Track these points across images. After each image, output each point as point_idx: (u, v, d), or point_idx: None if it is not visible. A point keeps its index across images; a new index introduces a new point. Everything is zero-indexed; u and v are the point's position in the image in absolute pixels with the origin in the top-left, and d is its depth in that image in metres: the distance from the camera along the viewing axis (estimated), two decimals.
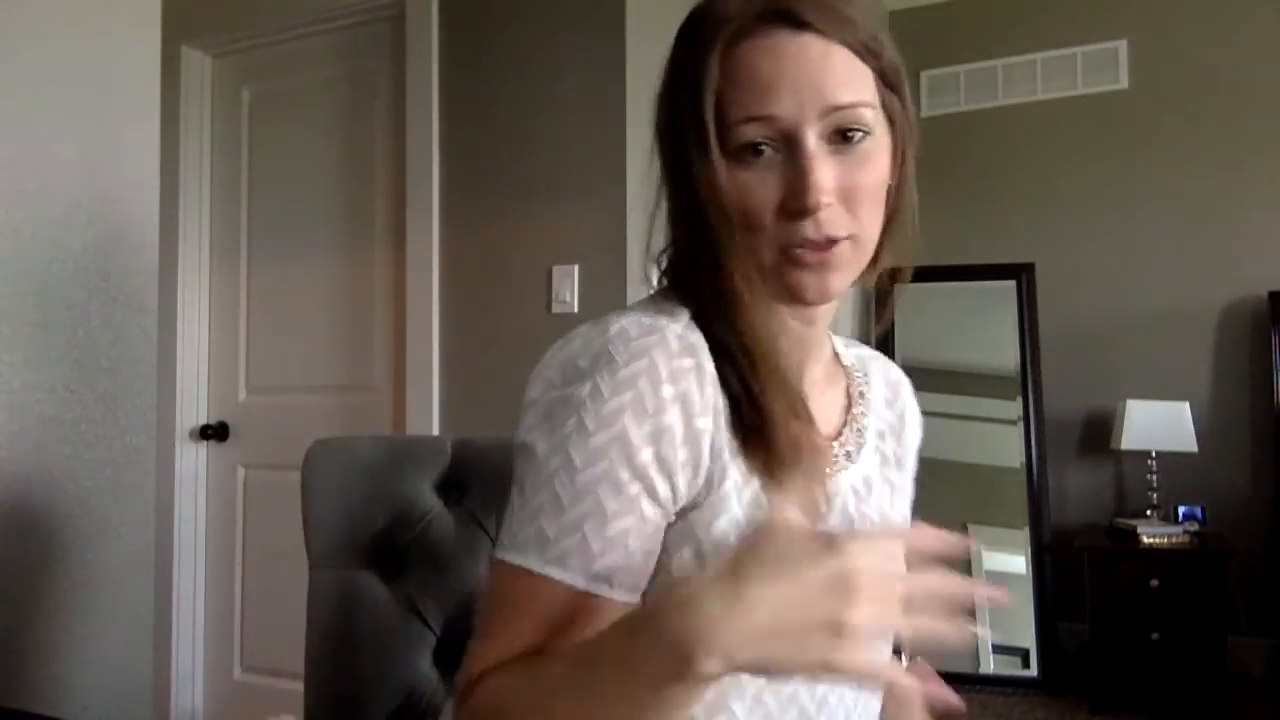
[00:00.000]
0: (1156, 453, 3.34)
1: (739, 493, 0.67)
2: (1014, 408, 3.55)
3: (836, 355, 0.84)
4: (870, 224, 0.71)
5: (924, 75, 4.12)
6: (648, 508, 0.65)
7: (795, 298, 0.70)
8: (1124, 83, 3.79)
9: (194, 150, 2.83)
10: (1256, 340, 3.54)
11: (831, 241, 0.67)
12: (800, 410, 0.69)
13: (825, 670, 0.51)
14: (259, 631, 2.73)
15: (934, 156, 4.46)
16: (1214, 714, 2.95)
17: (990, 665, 3.35)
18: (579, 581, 0.63)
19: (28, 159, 1.26)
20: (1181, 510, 3.28)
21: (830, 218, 0.67)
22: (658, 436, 0.64)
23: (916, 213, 0.79)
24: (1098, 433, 3.67)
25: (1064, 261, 3.78)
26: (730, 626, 0.50)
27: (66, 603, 1.29)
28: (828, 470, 0.72)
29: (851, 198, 0.68)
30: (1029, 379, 3.55)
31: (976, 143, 4.02)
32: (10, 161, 1.24)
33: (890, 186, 0.75)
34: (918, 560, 0.55)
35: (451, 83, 2.45)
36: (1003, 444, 3.54)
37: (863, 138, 0.68)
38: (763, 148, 0.67)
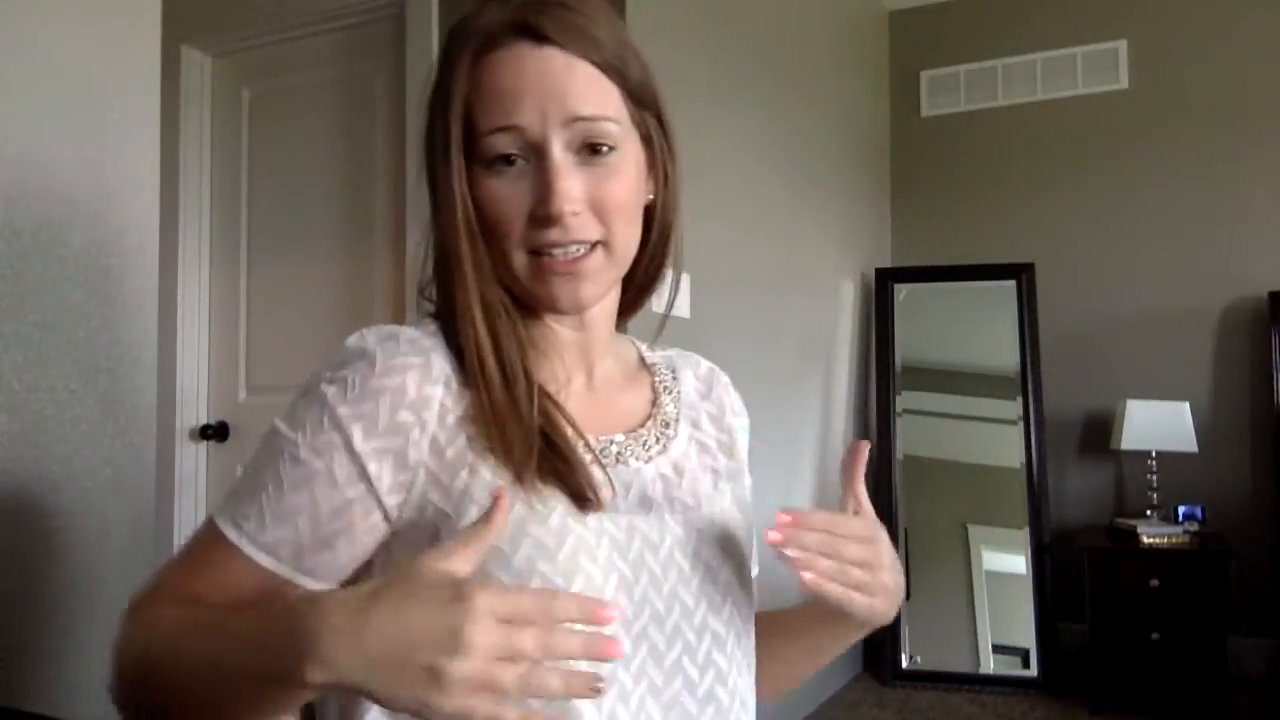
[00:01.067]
0: (1156, 453, 3.35)
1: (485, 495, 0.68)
2: (1014, 408, 3.55)
3: (642, 359, 0.88)
4: (623, 235, 0.73)
5: (924, 75, 4.12)
6: (360, 502, 0.67)
7: (550, 307, 0.74)
8: (1124, 83, 3.79)
9: (194, 150, 2.83)
10: (1256, 340, 3.54)
11: (581, 249, 0.71)
12: (524, 408, 0.70)
13: (421, 711, 0.52)
14: None
15: (934, 156, 4.50)
16: (1214, 714, 2.95)
17: (990, 665, 3.35)
18: (283, 570, 0.67)
19: (27, 159, 1.26)
20: (1181, 510, 3.28)
21: (579, 224, 0.70)
22: (360, 424, 0.67)
23: (682, 239, 0.81)
24: (1098, 433, 3.67)
25: (1064, 261, 3.78)
26: (343, 642, 0.52)
27: (67, 603, 1.29)
28: (596, 465, 0.73)
29: (601, 208, 0.71)
30: (1029, 379, 3.55)
31: (976, 143, 4.02)
32: (10, 162, 1.24)
33: (652, 204, 0.78)
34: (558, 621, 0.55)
35: None
36: (1003, 444, 3.54)
37: (609, 151, 0.71)
38: (514, 158, 0.70)
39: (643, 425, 0.80)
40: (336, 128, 2.66)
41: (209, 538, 0.69)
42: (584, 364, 0.79)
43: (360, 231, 2.62)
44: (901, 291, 3.75)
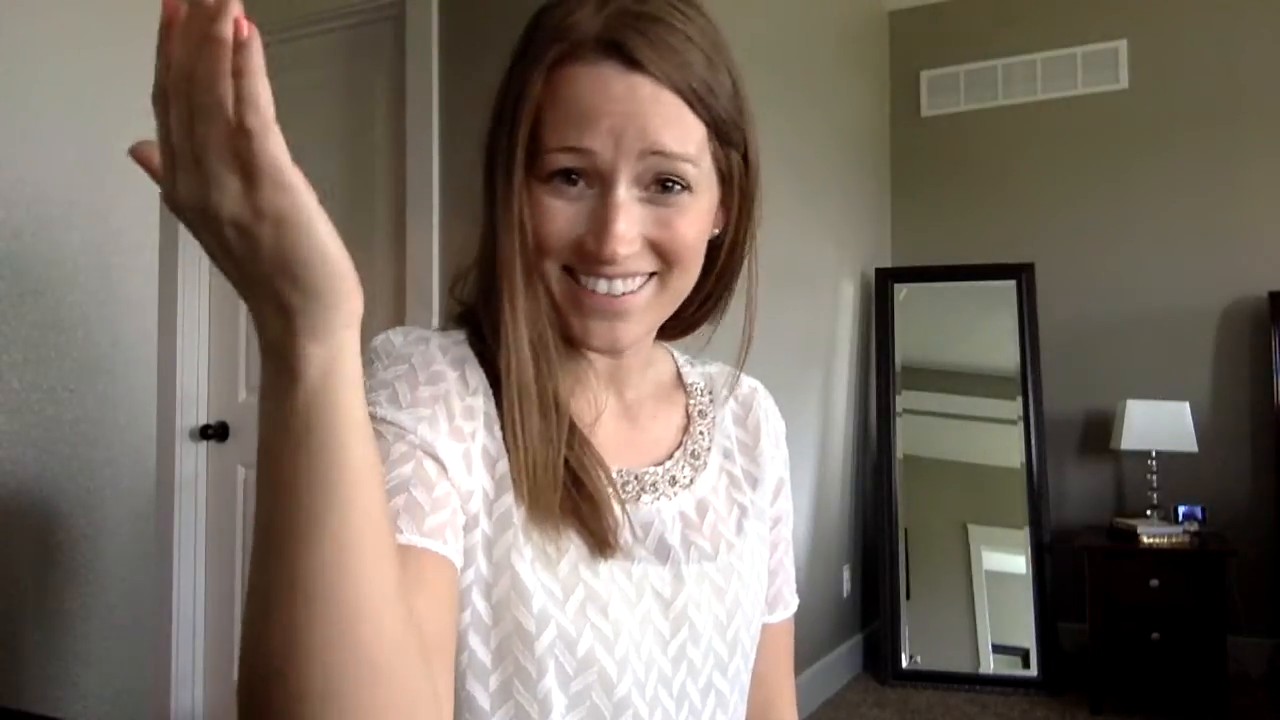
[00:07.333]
0: (1156, 453, 3.35)
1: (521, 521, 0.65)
2: (1014, 408, 3.55)
3: (680, 376, 0.82)
4: (680, 275, 0.68)
5: (924, 75, 4.12)
6: (430, 465, 0.61)
7: (582, 344, 0.68)
8: (1124, 83, 3.79)
9: None
10: (1256, 340, 3.54)
11: (635, 283, 0.66)
12: (554, 443, 0.66)
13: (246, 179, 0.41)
14: None
15: (934, 156, 4.50)
16: (1214, 714, 2.95)
17: (990, 665, 3.35)
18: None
19: (27, 159, 1.26)
20: (1181, 510, 3.28)
21: (631, 262, 0.65)
22: (424, 425, 0.63)
23: (757, 281, 0.75)
24: (1098, 433, 3.67)
25: (1064, 261, 3.78)
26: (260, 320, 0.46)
27: (66, 603, 1.29)
28: (626, 505, 0.69)
29: (661, 249, 0.66)
30: (1029, 379, 3.56)
31: (976, 143, 4.02)
32: (10, 161, 1.24)
33: (717, 241, 0.72)
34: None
35: (451, 83, 2.45)
36: (1003, 444, 3.55)
37: (680, 191, 0.65)
38: (576, 178, 0.64)
39: (670, 456, 0.75)
40: (336, 128, 2.66)
41: None
42: (615, 388, 0.75)
43: (360, 231, 2.63)
44: (901, 291, 3.75)
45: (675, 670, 0.69)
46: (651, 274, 0.67)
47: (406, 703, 0.47)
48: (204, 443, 2.81)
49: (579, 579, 0.65)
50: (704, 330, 0.80)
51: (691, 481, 0.75)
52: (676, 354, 0.84)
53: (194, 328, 2.83)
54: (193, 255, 2.83)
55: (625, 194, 0.64)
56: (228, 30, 0.40)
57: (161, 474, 2.59)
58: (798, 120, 3.24)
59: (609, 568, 0.67)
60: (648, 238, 0.65)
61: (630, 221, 0.64)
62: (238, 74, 0.40)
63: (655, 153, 0.63)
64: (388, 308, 2.57)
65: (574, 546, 0.66)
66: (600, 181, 0.64)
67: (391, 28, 2.58)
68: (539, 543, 0.65)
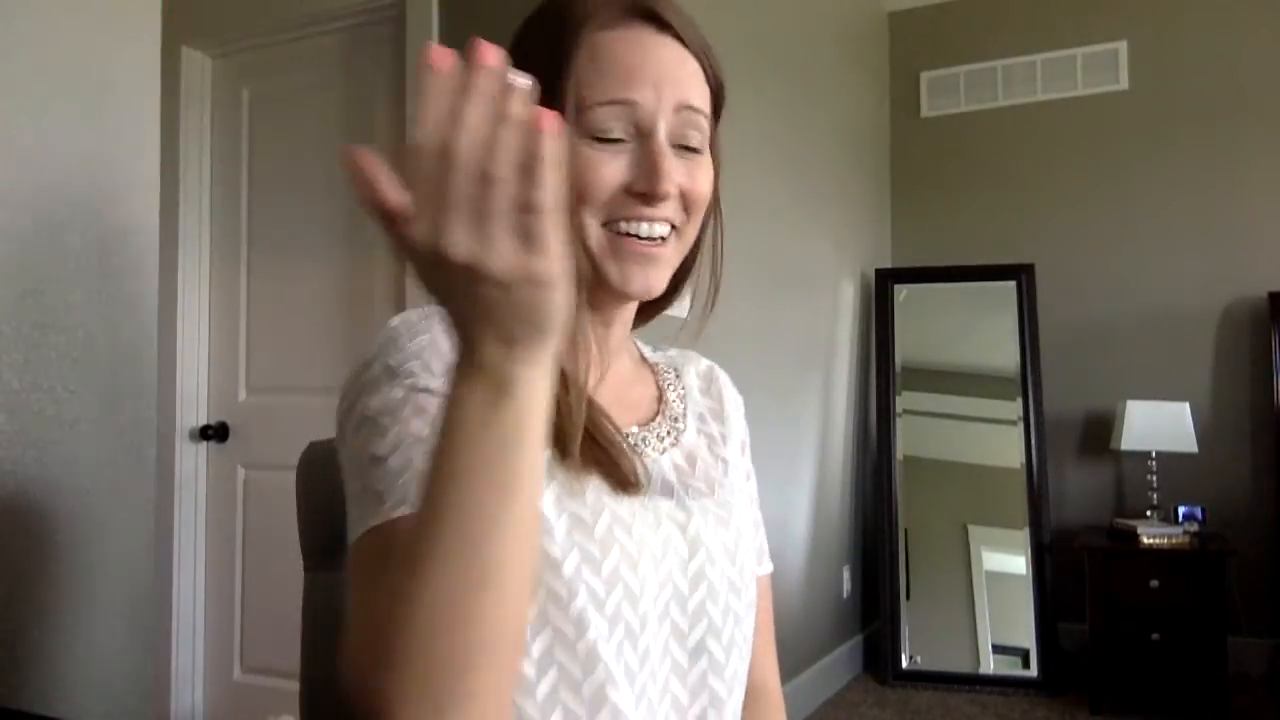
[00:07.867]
0: (1156, 453, 3.35)
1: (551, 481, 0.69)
2: (1014, 408, 3.55)
3: (643, 358, 0.89)
4: (693, 230, 0.75)
5: (924, 75, 4.12)
6: None
7: (619, 288, 0.72)
8: (1124, 83, 3.79)
9: (194, 150, 2.83)
10: (1256, 340, 3.54)
11: (665, 229, 0.72)
12: (577, 401, 0.70)
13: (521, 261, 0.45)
14: (259, 631, 2.73)
15: (934, 156, 4.49)
16: (1214, 714, 2.95)
17: (990, 665, 3.35)
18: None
19: (27, 159, 1.26)
20: (1181, 510, 3.28)
21: (669, 206, 0.72)
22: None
23: (722, 257, 0.82)
24: (1098, 433, 3.67)
25: (1064, 261, 3.78)
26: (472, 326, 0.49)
27: (66, 603, 1.29)
28: (633, 452, 0.75)
29: (688, 199, 0.73)
30: (1029, 379, 3.56)
31: (976, 143, 4.02)
32: (9, 162, 1.24)
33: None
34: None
35: None
36: (1003, 444, 3.55)
37: (696, 150, 0.73)
38: (615, 135, 0.70)
39: (653, 419, 0.82)
40: (336, 128, 2.66)
41: (370, 548, 0.63)
42: (601, 361, 0.79)
43: (360, 231, 2.63)
44: (901, 292, 3.75)
45: (694, 590, 0.74)
46: (674, 228, 0.73)
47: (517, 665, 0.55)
48: (204, 443, 2.81)
49: (604, 505, 0.71)
50: (685, 329, 0.85)
51: (676, 440, 0.81)
52: (638, 341, 0.90)
53: (194, 328, 2.83)
54: (193, 255, 2.83)
55: (664, 142, 0.70)
56: (530, 115, 0.44)
57: (161, 474, 2.59)
58: (797, 121, 3.24)
59: (628, 500, 0.73)
60: (680, 186, 0.72)
61: (673, 166, 0.70)
62: (536, 160, 0.44)
63: (687, 107, 0.71)
64: (388, 308, 2.57)
65: (595, 484, 0.71)
66: (641, 133, 0.70)
67: (391, 28, 2.58)
68: (564, 480, 0.70)
